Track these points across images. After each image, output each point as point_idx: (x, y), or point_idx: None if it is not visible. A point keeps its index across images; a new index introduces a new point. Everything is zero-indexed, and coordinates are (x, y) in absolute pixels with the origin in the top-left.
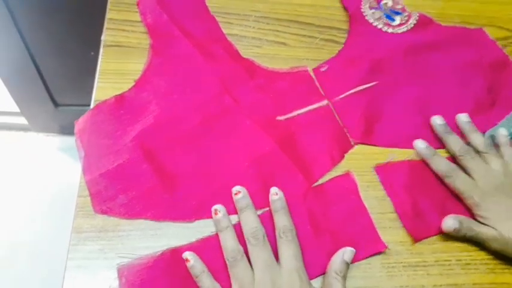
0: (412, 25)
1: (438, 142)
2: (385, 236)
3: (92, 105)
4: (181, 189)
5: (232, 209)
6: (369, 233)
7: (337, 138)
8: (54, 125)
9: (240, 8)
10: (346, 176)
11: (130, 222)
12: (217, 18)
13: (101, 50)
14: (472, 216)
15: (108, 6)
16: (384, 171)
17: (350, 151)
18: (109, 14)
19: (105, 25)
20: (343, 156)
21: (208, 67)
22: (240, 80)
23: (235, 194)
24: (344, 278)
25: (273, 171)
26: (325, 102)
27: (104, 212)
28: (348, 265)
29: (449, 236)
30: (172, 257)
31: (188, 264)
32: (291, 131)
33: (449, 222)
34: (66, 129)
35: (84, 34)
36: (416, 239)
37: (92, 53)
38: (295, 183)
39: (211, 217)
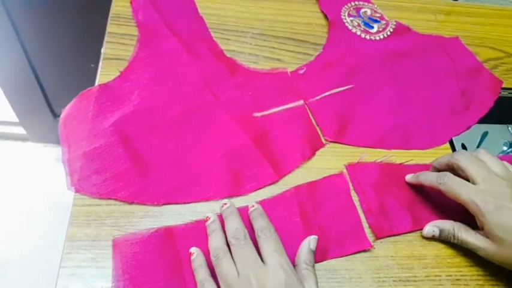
0: (389, 32)
1: (408, 142)
2: (375, 250)
3: None
4: (153, 174)
5: (202, 197)
6: (356, 231)
7: (309, 137)
8: (53, 136)
9: (238, 25)
10: (340, 175)
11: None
12: (216, 35)
13: (101, 62)
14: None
15: (109, 20)
16: (354, 169)
17: (322, 150)
18: (109, 28)
19: (105, 38)
20: (314, 154)
21: (191, 63)
22: (221, 77)
23: (223, 206)
24: (313, 266)
25: (244, 163)
26: (300, 102)
27: (77, 191)
28: (314, 253)
29: (440, 251)
30: (166, 235)
31: (191, 257)
32: (265, 127)
33: (426, 229)
34: None
35: (85, 46)
36: (377, 236)
37: (93, 65)
38: (264, 175)
39: (180, 202)
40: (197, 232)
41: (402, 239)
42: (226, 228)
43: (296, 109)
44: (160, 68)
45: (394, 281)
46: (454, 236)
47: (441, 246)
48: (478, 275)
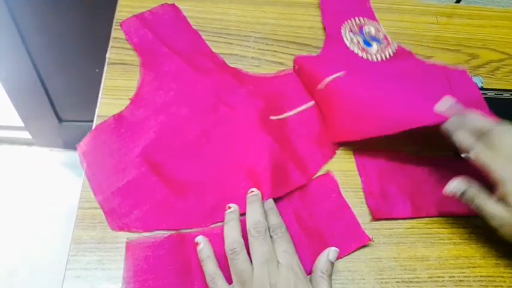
0: (388, 55)
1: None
2: (378, 251)
3: (95, 121)
4: (192, 196)
5: (243, 207)
6: (353, 228)
7: (326, 135)
8: (58, 140)
9: (240, 30)
10: (327, 175)
11: (129, 234)
12: (219, 39)
13: (105, 67)
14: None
15: (113, 25)
16: (361, 154)
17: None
18: (114, 33)
19: (110, 43)
20: (334, 152)
21: (199, 79)
22: (231, 88)
23: (249, 193)
24: (329, 276)
25: (273, 169)
26: (312, 103)
27: (120, 228)
28: (332, 264)
29: (442, 253)
30: (179, 240)
31: (198, 248)
32: (285, 131)
33: (451, 186)
34: (70, 145)
35: (89, 51)
36: (375, 216)
37: (97, 70)
38: (293, 179)
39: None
40: (209, 238)
41: (405, 240)
42: (247, 215)
43: (309, 109)
44: (169, 89)
45: (397, 282)
46: (474, 199)
47: (444, 247)
48: (481, 276)
